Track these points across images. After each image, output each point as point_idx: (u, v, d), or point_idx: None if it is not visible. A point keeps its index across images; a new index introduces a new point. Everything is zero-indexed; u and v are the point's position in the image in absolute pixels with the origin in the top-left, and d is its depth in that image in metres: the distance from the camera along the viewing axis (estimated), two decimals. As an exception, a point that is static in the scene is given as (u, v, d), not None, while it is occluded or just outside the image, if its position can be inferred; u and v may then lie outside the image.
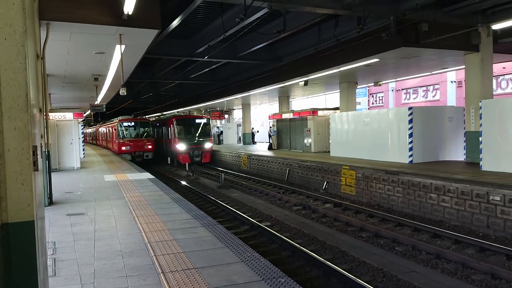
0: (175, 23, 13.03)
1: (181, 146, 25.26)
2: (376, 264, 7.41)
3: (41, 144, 3.55)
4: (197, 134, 26.08)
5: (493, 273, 6.74)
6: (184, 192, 15.98)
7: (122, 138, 28.29)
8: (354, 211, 11.84)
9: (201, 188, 17.13)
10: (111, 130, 32.21)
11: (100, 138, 40.96)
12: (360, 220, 10.75)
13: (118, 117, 30.86)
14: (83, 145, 23.24)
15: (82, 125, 21.06)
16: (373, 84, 23.02)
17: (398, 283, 6.60)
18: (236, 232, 9.80)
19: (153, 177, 14.45)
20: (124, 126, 28.69)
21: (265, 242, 9.20)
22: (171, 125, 26.52)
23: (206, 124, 27.02)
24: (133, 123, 29.20)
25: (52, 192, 9.98)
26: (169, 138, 27.32)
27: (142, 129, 29.05)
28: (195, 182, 19.41)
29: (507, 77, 23.38)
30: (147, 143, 28.59)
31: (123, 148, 27.93)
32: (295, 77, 18.51)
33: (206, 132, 26.68)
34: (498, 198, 9.03)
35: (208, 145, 26.00)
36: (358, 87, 23.11)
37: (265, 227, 9.89)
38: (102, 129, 39.20)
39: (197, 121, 27.15)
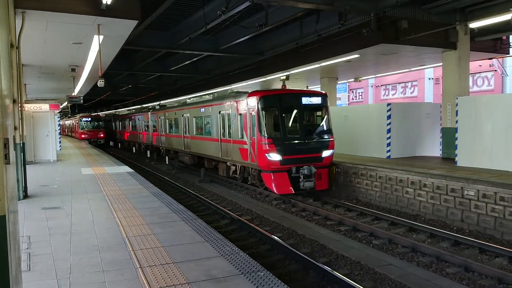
0: (155, 14, 12.82)
1: (274, 156, 12.45)
2: (354, 258, 7.51)
3: (14, 136, 3.45)
4: (306, 130, 13.30)
5: (467, 266, 6.92)
6: (163, 186, 15.84)
7: (82, 129, 39.85)
8: (333, 205, 11.96)
9: (181, 182, 17.00)
10: (74, 123, 44.97)
11: (66, 130, 53.87)
12: (339, 214, 10.88)
13: (80, 114, 43.93)
14: (59, 138, 22.87)
15: (59, 117, 20.70)
16: (353, 80, 23.24)
17: (375, 276, 6.71)
18: (216, 226, 9.78)
19: (132, 170, 14.27)
20: (83, 121, 40.50)
21: (245, 236, 9.21)
22: (249, 110, 13.34)
23: (323, 107, 13.70)
24: (90, 119, 41.30)
25: (27, 185, 9.75)
26: (236, 137, 14.45)
27: (96, 123, 40.95)
28: (175, 176, 19.26)
29: (483, 75, 23.96)
30: (99, 133, 40.14)
31: (83, 136, 39.20)
32: (277, 71, 18.52)
33: (323, 126, 13.59)
34: (472, 193, 9.27)
35: (326, 153, 13.11)
36: (338, 82, 23.30)
37: (245, 221, 9.91)
38: (68, 122, 53.19)
39: (306, 101, 13.30)
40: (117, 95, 39.84)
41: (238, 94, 15.03)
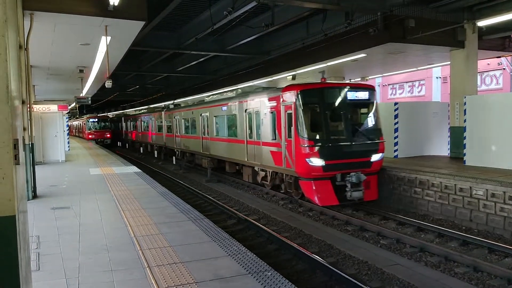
0: (162, 15, 12.89)
1: (315, 161, 10.80)
2: (361, 257, 7.49)
3: (23, 137, 3.48)
4: (353, 130, 11.52)
5: (476, 266, 6.87)
6: (171, 186, 15.90)
7: (89, 130, 41.15)
8: (341, 205, 11.91)
9: (189, 182, 17.06)
10: (82, 124, 46.49)
11: (74, 130, 55.37)
12: (346, 214, 10.84)
13: (87, 115, 45.56)
14: (68, 138, 23.10)
15: (67, 118, 20.90)
16: (360, 79, 23.12)
17: (383, 276, 6.68)
18: (223, 226, 9.79)
19: (140, 170, 14.35)
20: (91, 122, 41.94)
21: (252, 235, 9.22)
22: (285, 107, 11.71)
23: (370, 104, 12.03)
24: (96, 119, 42.66)
25: (36, 186, 9.84)
26: (267, 138, 12.82)
27: (102, 124, 42.40)
28: (183, 176, 19.32)
29: (491, 73, 23.74)
30: (106, 133, 41.49)
31: (90, 136, 40.33)
32: (283, 71, 18.50)
33: (372, 125, 11.98)
34: (481, 193, 9.19)
35: (376, 157, 11.48)
36: (345, 82, 23.20)
37: (252, 220, 9.91)
38: (76, 123, 54.88)
39: (352, 95, 11.74)
40: (124, 96, 40.14)
41: (268, 89, 13.72)
